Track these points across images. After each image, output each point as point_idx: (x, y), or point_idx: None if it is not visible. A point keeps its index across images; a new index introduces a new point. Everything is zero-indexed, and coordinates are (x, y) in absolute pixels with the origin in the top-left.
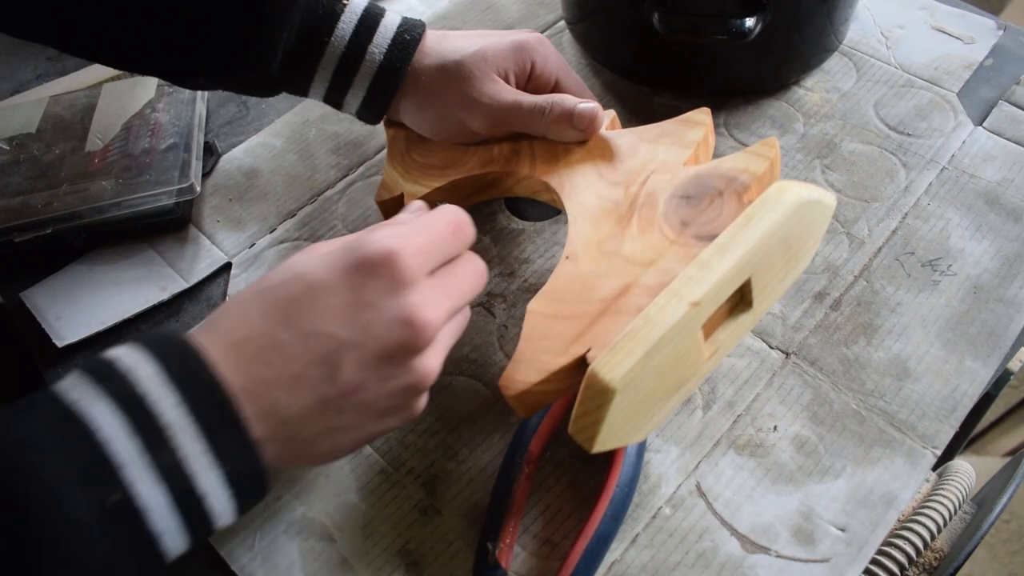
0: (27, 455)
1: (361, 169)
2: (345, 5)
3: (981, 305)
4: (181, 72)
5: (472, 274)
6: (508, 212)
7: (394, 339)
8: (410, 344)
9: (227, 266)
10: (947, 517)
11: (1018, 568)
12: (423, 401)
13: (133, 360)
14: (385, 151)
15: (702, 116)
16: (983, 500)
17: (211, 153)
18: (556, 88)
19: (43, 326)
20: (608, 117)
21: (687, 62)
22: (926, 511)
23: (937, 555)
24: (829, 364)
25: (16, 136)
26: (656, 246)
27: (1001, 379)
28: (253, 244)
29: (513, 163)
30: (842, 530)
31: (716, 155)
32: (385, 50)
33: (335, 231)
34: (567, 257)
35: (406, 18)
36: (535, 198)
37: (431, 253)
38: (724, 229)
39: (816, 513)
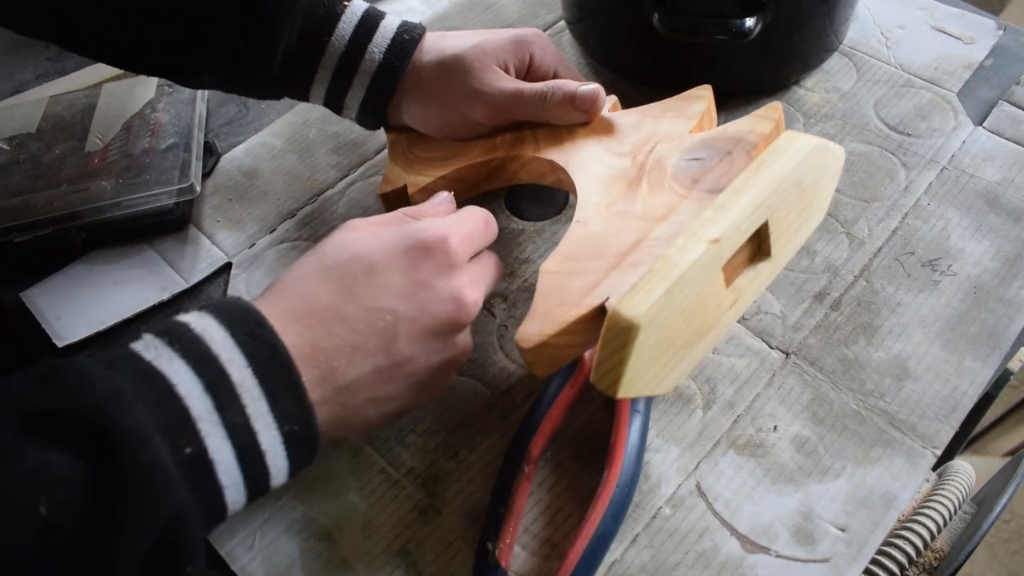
0: (119, 401)
1: (361, 169)
2: (346, 6)
3: (981, 305)
4: (182, 71)
5: (496, 265)
6: (508, 212)
7: (444, 315)
8: (456, 320)
9: (227, 266)
10: (947, 517)
11: (1018, 568)
12: (453, 378)
13: (204, 324)
14: (386, 151)
15: (703, 91)
16: (983, 500)
17: (211, 153)
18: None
19: (43, 326)
20: (610, 102)
21: (687, 62)
22: (926, 511)
23: (937, 555)
24: (829, 364)
25: (16, 136)
26: (668, 202)
27: (1001, 379)
28: (253, 244)
29: (517, 148)
30: (842, 530)
31: None
32: (385, 49)
33: None
34: (578, 221)
35: (405, 21)
36: (540, 182)
37: (471, 242)
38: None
39: (816, 513)
